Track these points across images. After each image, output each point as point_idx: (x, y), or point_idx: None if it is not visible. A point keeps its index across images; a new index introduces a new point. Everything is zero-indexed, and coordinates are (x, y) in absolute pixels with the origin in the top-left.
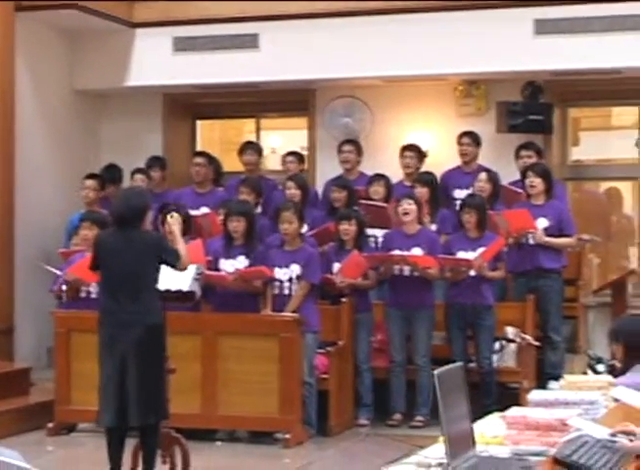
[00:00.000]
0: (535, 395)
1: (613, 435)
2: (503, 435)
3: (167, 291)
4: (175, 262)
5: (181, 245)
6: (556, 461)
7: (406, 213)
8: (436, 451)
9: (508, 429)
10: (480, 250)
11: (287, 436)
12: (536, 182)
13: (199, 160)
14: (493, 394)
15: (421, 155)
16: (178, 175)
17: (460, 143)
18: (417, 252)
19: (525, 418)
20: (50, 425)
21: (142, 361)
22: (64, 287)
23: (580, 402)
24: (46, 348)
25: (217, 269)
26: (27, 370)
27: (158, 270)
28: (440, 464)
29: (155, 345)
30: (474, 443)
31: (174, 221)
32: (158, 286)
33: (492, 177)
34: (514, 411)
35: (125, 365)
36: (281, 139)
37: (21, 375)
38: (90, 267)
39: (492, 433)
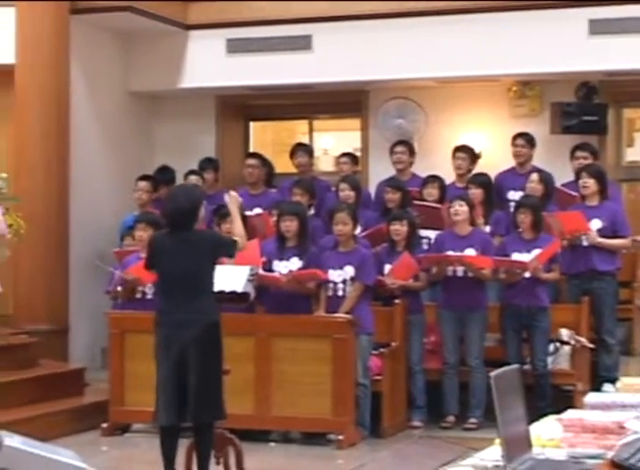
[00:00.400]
0: (592, 397)
1: None
2: (559, 437)
3: (221, 292)
4: (234, 252)
5: (238, 223)
6: (614, 464)
7: (457, 214)
8: (492, 454)
9: (565, 431)
10: (535, 251)
11: (340, 437)
12: (589, 183)
13: (251, 161)
14: (547, 396)
15: (473, 156)
16: (231, 177)
17: (514, 144)
18: (470, 253)
19: (582, 421)
20: (104, 425)
21: (201, 360)
22: (119, 288)
23: (638, 405)
24: (100, 348)
25: (271, 271)
26: (82, 370)
27: (214, 269)
28: (497, 467)
29: (213, 343)
30: (530, 445)
31: (233, 200)
32: (214, 285)
33: (544, 178)
34: (570, 414)
35: (184, 365)
36: (333, 140)
37: (75, 375)
38: (145, 267)
39: (549, 435)
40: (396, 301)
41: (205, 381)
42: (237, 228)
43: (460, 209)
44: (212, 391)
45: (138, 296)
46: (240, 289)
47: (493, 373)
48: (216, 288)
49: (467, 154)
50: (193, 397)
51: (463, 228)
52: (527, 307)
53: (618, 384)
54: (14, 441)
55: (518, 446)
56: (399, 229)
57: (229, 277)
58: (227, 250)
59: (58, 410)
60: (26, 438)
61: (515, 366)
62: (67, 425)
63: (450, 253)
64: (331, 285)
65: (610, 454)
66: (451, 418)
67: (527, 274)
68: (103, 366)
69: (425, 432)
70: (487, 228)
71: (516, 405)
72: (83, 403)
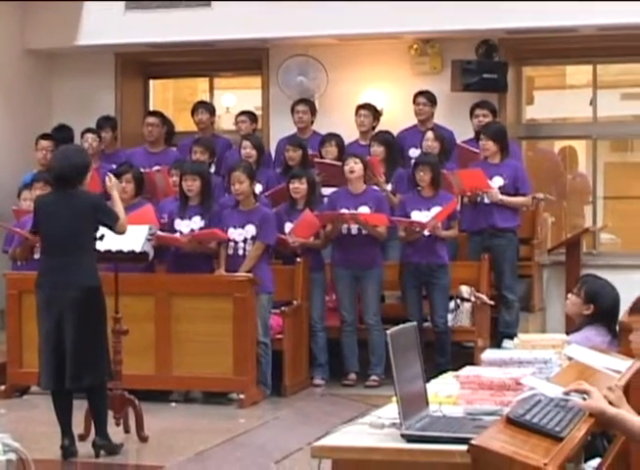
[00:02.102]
0: (489, 354)
1: (566, 393)
2: (456, 394)
3: (120, 251)
4: (113, 225)
5: (119, 208)
6: (509, 420)
7: (352, 172)
8: (390, 411)
9: (461, 388)
10: (435, 209)
11: (241, 396)
12: (489, 145)
13: (151, 119)
14: (448, 353)
15: (376, 113)
16: (131, 135)
17: (416, 103)
18: (364, 210)
19: (479, 377)
20: (2, 387)
21: (78, 323)
22: (17, 248)
23: (534, 361)
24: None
25: (173, 230)
26: None
27: (95, 232)
28: (394, 424)
29: (92, 306)
30: (427, 402)
31: (112, 185)
32: (95, 247)
33: (440, 136)
34: (467, 371)
35: (62, 327)
36: (235, 98)
37: None
38: (31, 230)
39: (446, 392)
40: (298, 259)
41: (82, 345)
42: (119, 212)
43: (355, 166)
44: (92, 354)
45: (36, 256)
46: (138, 248)
47: (390, 331)
48: (115, 247)
49: (370, 111)
50: (69, 361)
51: (357, 186)
52: (427, 265)
53: (516, 340)
54: None
55: (414, 403)
56: (299, 187)
57: (128, 237)
58: (108, 219)
59: None
60: None
61: (412, 324)
62: None
63: (344, 210)
64: (232, 244)
65: (506, 410)
66: (352, 376)
67: (426, 232)
68: (1, 328)
69: (327, 390)
70: (389, 186)
71: (413, 363)
72: None
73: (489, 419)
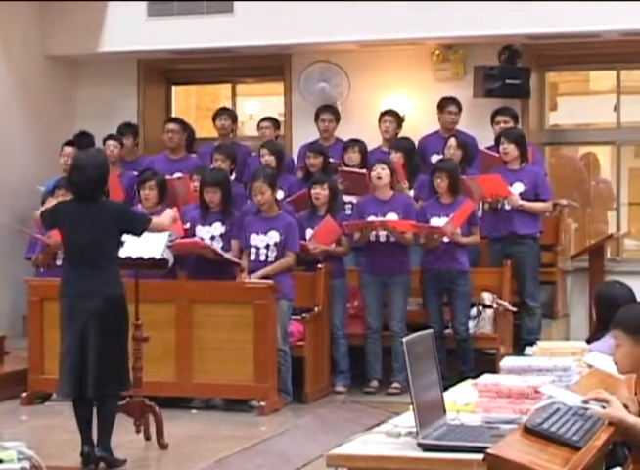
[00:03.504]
0: (508, 362)
1: (585, 402)
2: (475, 402)
3: (140, 258)
4: (139, 231)
5: (160, 222)
6: (526, 429)
7: (379, 178)
8: (407, 420)
9: (480, 396)
10: (452, 215)
11: (262, 403)
12: (509, 148)
13: (172, 126)
14: (470, 360)
15: (400, 119)
16: (154, 142)
17: (447, 111)
18: (392, 217)
19: (497, 385)
20: (24, 394)
21: (102, 332)
22: (40, 255)
23: (553, 369)
24: (21, 316)
25: (194, 237)
26: (2, 339)
27: (118, 241)
28: (410, 433)
29: (115, 316)
30: (444, 411)
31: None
32: (118, 256)
33: (462, 142)
34: (486, 379)
35: (85, 336)
36: (259, 105)
37: None
38: (43, 224)
39: (464, 400)
40: (319, 266)
41: (106, 353)
42: (160, 221)
43: (382, 172)
44: (113, 364)
45: (58, 263)
46: (158, 255)
47: (406, 338)
48: (135, 254)
49: (394, 117)
50: (92, 369)
51: (384, 192)
52: (447, 271)
53: (535, 347)
54: None
55: (431, 411)
56: (320, 193)
57: (148, 243)
58: (135, 226)
59: None
60: None
61: (428, 331)
62: None
63: (372, 218)
64: (254, 250)
65: (524, 419)
66: (374, 383)
67: (446, 239)
68: (24, 334)
69: (348, 397)
70: (412, 192)
71: (430, 371)
72: (2, 372)
73: (507, 428)
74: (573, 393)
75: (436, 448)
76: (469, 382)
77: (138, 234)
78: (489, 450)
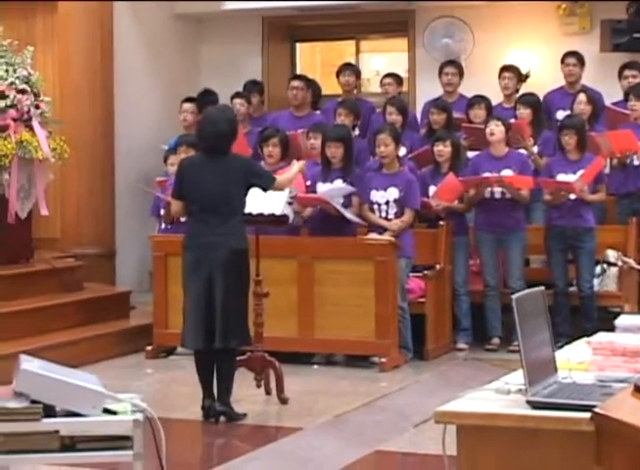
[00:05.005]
0: (623, 320)
1: None
2: (589, 361)
3: (260, 215)
4: (267, 186)
5: (289, 176)
6: (637, 389)
7: (492, 134)
8: (517, 377)
9: (594, 355)
10: (581, 172)
11: (383, 360)
12: (637, 106)
13: (295, 83)
14: (594, 318)
15: (520, 76)
16: (278, 99)
17: (565, 64)
18: (507, 173)
19: (612, 344)
20: (149, 348)
21: (227, 285)
22: (162, 211)
23: None
24: (148, 271)
25: (315, 193)
26: (127, 294)
27: (245, 195)
28: (520, 390)
29: (239, 269)
30: (555, 369)
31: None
32: (244, 210)
33: (592, 98)
34: (600, 337)
35: (211, 288)
36: (385, 61)
37: (121, 299)
38: (172, 194)
39: (578, 359)
40: (441, 222)
41: (232, 306)
42: (286, 177)
43: (496, 129)
44: (239, 316)
45: (183, 219)
46: (278, 212)
47: (515, 296)
48: (255, 210)
49: (514, 73)
50: (220, 321)
51: (499, 149)
52: (573, 228)
53: None
54: (32, 365)
55: (542, 369)
56: (443, 150)
57: (268, 200)
58: (262, 181)
59: (103, 333)
60: (47, 362)
61: (539, 288)
62: (111, 348)
63: (487, 174)
64: (375, 206)
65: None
66: (496, 340)
67: (573, 195)
68: (150, 290)
69: (470, 354)
70: (536, 149)
71: (541, 329)
72: (128, 326)
73: (620, 387)
74: None
75: (545, 406)
76: (582, 340)
77: (265, 189)
78: (597, 409)
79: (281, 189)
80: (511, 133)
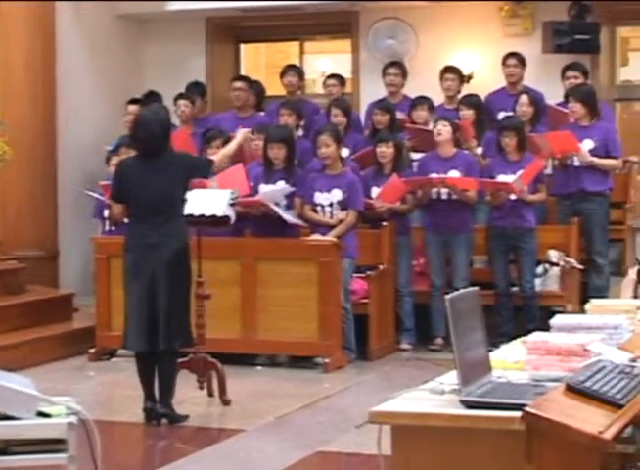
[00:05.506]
0: (558, 319)
1: (633, 360)
2: (524, 360)
3: (202, 216)
4: (209, 172)
5: (230, 148)
6: (568, 387)
7: (440, 135)
8: (452, 377)
9: (529, 354)
10: (520, 172)
11: (326, 360)
12: (576, 107)
13: (237, 84)
14: (537, 318)
15: (462, 77)
16: (223, 100)
17: (506, 65)
18: (454, 174)
19: (547, 343)
20: (91, 350)
21: (170, 285)
22: (105, 213)
23: (604, 327)
24: (91, 273)
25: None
26: (70, 296)
27: (185, 192)
28: (454, 390)
29: (182, 268)
30: (490, 368)
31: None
32: (184, 208)
33: (534, 99)
34: (535, 336)
35: (153, 289)
36: (330, 62)
37: (64, 301)
38: (111, 197)
39: (514, 358)
40: (384, 223)
41: (175, 306)
42: (226, 150)
43: (443, 129)
44: (183, 316)
45: (126, 220)
46: (220, 213)
47: (449, 296)
48: (197, 212)
49: (456, 75)
50: (163, 322)
51: (446, 150)
52: (513, 229)
53: (588, 306)
54: None
55: (475, 369)
56: (385, 151)
57: (210, 201)
58: (202, 171)
59: (45, 336)
60: None
61: (473, 289)
62: (54, 350)
63: (434, 175)
64: (318, 208)
65: None
66: (439, 340)
67: (513, 196)
68: (93, 292)
69: (413, 354)
70: (479, 150)
71: (474, 329)
72: (71, 329)
73: (553, 386)
74: (623, 351)
75: (478, 406)
76: (518, 340)
77: (207, 176)
78: (527, 408)
79: (221, 167)
80: (459, 134)
